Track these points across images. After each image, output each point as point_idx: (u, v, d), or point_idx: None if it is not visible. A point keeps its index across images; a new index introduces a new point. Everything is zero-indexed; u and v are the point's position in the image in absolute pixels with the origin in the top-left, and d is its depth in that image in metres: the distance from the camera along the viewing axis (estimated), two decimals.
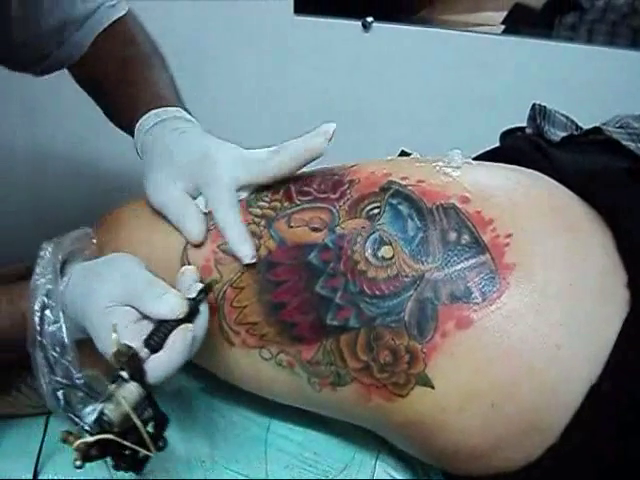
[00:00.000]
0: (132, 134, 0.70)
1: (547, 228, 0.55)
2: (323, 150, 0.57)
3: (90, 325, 0.51)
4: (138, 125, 0.68)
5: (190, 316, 0.51)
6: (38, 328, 0.53)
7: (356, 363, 0.54)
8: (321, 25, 1.30)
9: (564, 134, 0.73)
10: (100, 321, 0.50)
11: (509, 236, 0.53)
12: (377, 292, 0.54)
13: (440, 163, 0.61)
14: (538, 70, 1.26)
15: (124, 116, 0.72)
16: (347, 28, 1.29)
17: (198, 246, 0.59)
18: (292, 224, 0.58)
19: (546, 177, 0.62)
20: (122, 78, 0.74)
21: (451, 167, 0.60)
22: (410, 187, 0.57)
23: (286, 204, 0.59)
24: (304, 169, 0.61)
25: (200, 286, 0.53)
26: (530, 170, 0.63)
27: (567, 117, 0.77)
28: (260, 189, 0.61)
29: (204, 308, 0.53)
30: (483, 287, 0.52)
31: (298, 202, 0.59)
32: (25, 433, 0.66)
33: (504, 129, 0.79)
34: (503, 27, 1.52)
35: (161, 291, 0.51)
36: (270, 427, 0.68)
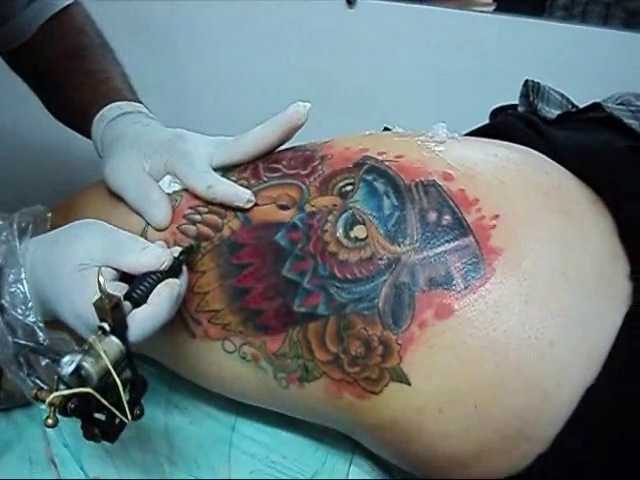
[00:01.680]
0: (76, 129, 0.69)
1: (539, 210, 0.50)
2: (302, 119, 0.55)
3: (60, 287, 0.47)
4: (99, 116, 0.64)
5: (173, 274, 0.48)
6: None
7: (325, 355, 0.49)
8: (303, 2, 1.25)
9: (560, 112, 0.68)
10: (75, 279, 0.46)
11: (496, 217, 0.48)
12: (349, 276, 0.49)
13: (422, 137, 0.56)
14: (530, 49, 1.21)
15: (76, 108, 0.68)
16: (330, 5, 1.24)
17: (161, 230, 0.55)
18: (258, 202, 0.53)
19: (540, 154, 0.57)
20: (75, 68, 0.70)
21: (434, 142, 0.55)
22: (387, 162, 0.52)
23: (253, 181, 0.55)
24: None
25: (180, 249, 0.50)
26: (523, 147, 0.58)
27: (562, 95, 0.71)
28: (227, 169, 0.57)
29: (185, 269, 0.50)
30: (465, 273, 0.47)
31: (265, 179, 0.55)
32: None
33: (494, 107, 0.74)
34: (495, 5, 1.49)
35: (143, 244, 0.48)
36: (235, 426, 0.63)
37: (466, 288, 0.46)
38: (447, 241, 0.48)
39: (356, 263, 0.49)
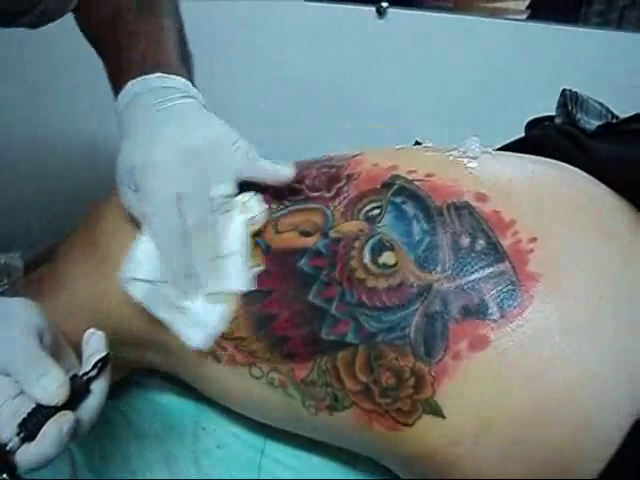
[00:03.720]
0: None
1: (578, 230, 0.47)
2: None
3: None
4: (117, 100, 0.56)
5: (74, 400, 0.43)
6: None
7: (355, 385, 0.47)
8: (333, 11, 1.23)
9: (599, 123, 0.65)
10: None
11: (533, 241, 0.46)
12: (378, 304, 0.47)
13: (454, 153, 0.54)
14: (566, 58, 1.17)
15: (111, 80, 0.60)
16: (360, 14, 1.22)
17: None
18: (280, 229, 0.52)
19: (580, 171, 0.54)
20: (109, 34, 0.61)
21: (467, 157, 0.52)
22: (417, 182, 0.50)
23: (274, 206, 0.53)
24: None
25: (97, 358, 0.44)
26: (560, 163, 0.55)
27: (602, 104, 0.68)
28: (248, 190, 0.55)
29: (98, 386, 0.44)
30: (502, 301, 0.44)
31: (287, 204, 0.53)
32: None
33: (529, 119, 0.71)
34: (528, 13, 1.45)
35: (41, 371, 0.42)
36: (265, 449, 0.61)
37: (502, 317, 0.44)
38: (481, 267, 0.45)
39: (385, 291, 0.47)
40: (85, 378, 0.44)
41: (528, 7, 1.47)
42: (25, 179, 1.33)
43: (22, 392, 0.42)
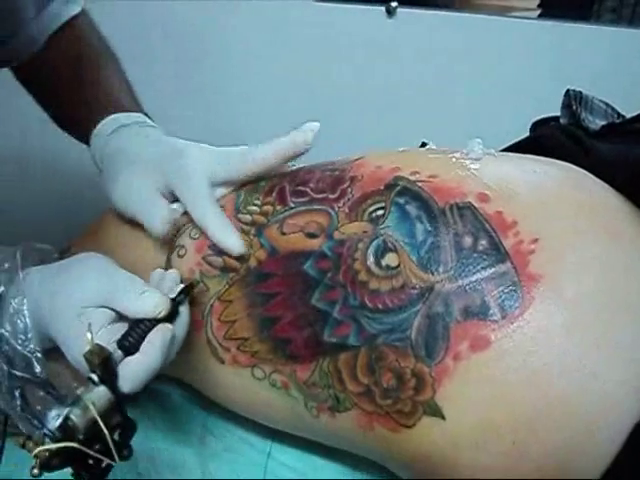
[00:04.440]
0: (79, 139, 0.67)
1: (581, 231, 0.47)
2: (308, 146, 0.54)
3: (58, 328, 0.47)
4: (96, 131, 0.63)
5: (169, 317, 0.47)
6: None
7: (356, 387, 0.47)
8: (342, 11, 1.23)
9: (604, 123, 0.64)
10: (72, 324, 0.46)
11: (535, 241, 0.45)
12: (380, 306, 0.47)
13: (457, 154, 0.53)
14: (577, 56, 1.16)
15: (77, 120, 0.67)
16: (369, 13, 1.22)
17: (181, 256, 0.55)
18: (285, 230, 0.52)
19: (584, 171, 0.54)
20: (75, 79, 0.70)
21: (470, 159, 0.52)
22: (420, 183, 0.50)
23: (279, 207, 0.53)
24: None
25: (181, 286, 0.49)
26: (564, 163, 0.55)
27: (607, 104, 0.67)
28: (251, 191, 0.56)
29: (184, 309, 0.49)
30: (503, 302, 0.44)
31: (292, 205, 0.53)
32: None
33: (535, 119, 0.70)
34: (539, 11, 1.44)
35: (142, 288, 0.47)
36: (271, 452, 0.61)
37: (503, 318, 0.43)
38: (483, 268, 0.45)
39: (387, 293, 0.46)
40: (177, 300, 0.48)
41: (539, 5, 1.46)
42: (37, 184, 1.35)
43: (118, 319, 0.47)
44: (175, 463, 0.61)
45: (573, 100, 0.66)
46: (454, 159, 0.53)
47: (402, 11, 1.21)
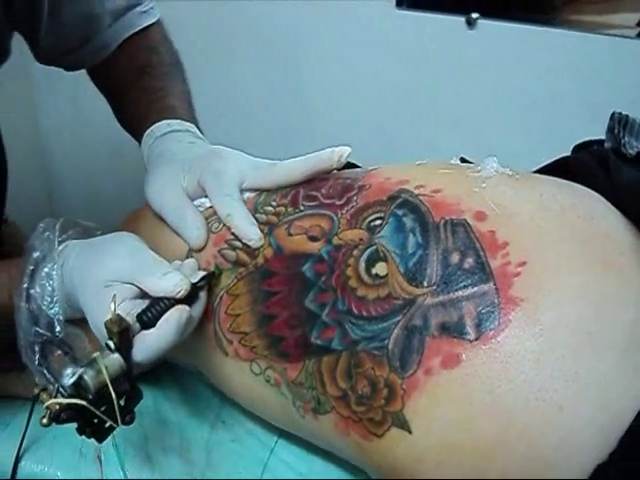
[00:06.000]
0: (136, 140, 0.72)
1: (573, 259, 0.46)
2: (331, 169, 0.56)
3: (85, 297, 0.51)
4: (149, 131, 0.68)
5: (189, 300, 0.50)
6: (27, 280, 0.54)
7: (335, 390, 0.48)
8: (423, 20, 1.23)
9: None
10: (98, 293, 0.50)
11: (522, 264, 0.45)
12: (364, 313, 0.47)
13: (469, 171, 0.53)
14: None
15: (134, 122, 0.72)
16: (450, 24, 1.21)
17: (199, 250, 0.57)
18: (292, 232, 0.53)
19: (598, 197, 0.52)
20: (137, 84, 0.75)
21: (480, 176, 0.52)
22: (422, 197, 0.50)
23: (290, 209, 0.55)
24: None
25: (203, 273, 0.53)
26: (583, 188, 0.54)
27: None
28: (270, 193, 0.58)
29: (203, 295, 0.53)
30: (480, 322, 0.43)
31: (302, 208, 0.55)
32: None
33: (579, 141, 0.68)
34: (638, 30, 1.37)
35: (165, 269, 0.50)
36: (275, 448, 0.63)
37: (477, 339, 0.43)
38: (465, 286, 0.45)
39: (373, 301, 0.47)
40: (197, 285, 0.52)
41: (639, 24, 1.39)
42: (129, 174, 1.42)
43: (141, 296, 0.50)
44: (182, 447, 0.63)
45: (617, 124, 0.63)
46: (465, 176, 0.52)
47: (483, 23, 1.19)
